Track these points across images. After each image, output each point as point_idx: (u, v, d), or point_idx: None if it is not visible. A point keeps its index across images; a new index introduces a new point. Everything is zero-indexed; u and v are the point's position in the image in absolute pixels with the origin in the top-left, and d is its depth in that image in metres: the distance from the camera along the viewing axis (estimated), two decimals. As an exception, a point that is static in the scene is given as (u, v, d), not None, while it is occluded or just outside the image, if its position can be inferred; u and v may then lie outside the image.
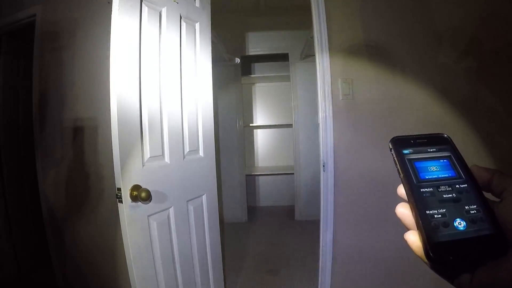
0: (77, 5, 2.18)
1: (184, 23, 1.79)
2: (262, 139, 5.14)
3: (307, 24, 3.00)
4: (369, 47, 2.10)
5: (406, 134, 0.43)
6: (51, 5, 2.25)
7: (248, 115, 4.95)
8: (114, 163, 1.39)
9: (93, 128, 2.10)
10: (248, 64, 4.86)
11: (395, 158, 0.42)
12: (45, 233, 2.32)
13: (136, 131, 1.46)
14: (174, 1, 1.70)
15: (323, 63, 2.10)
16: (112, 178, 1.40)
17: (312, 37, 2.36)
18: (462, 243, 0.33)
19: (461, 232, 0.34)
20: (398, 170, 0.41)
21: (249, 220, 4.47)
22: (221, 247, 2.15)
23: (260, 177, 5.02)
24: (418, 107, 2.06)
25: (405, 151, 0.42)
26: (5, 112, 2.83)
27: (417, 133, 0.43)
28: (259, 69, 5.07)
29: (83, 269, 2.26)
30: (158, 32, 1.61)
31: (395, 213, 0.39)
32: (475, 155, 1.99)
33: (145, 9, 1.51)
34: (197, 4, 1.92)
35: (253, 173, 4.76)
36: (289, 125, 4.63)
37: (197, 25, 1.90)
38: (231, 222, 4.35)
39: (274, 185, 5.08)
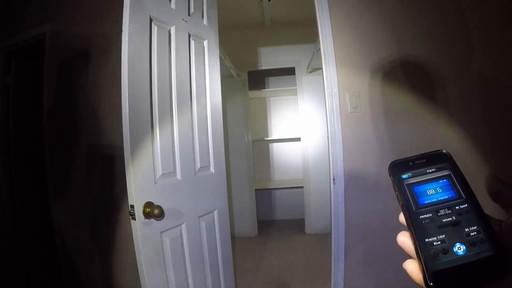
0: (87, 24, 2.22)
1: (193, 41, 1.82)
2: (274, 153, 5.16)
3: (313, 37, 3.04)
4: (376, 60, 2.11)
5: (405, 157, 0.43)
6: (61, 23, 2.30)
7: (256, 129, 4.97)
8: (127, 180, 1.40)
9: (110, 156, 2.12)
10: (259, 78, 4.89)
11: (394, 185, 0.41)
12: (55, 248, 2.34)
13: (148, 148, 1.48)
14: (182, 20, 1.73)
15: (330, 76, 2.11)
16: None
17: (319, 51, 2.38)
18: (462, 269, 0.33)
19: (461, 257, 0.33)
20: (397, 197, 0.40)
21: (259, 234, 4.46)
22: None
23: (268, 191, 5.02)
24: (425, 117, 2.07)
25: (404, 176, 0.41)
26: (16, 132, 2.88)
27: (415, 154, 0.43)
28: (270, 83, 5.11)
29: (93, 282, 2.26)
30: (168, 50, 1.64)
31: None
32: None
33: (154, 28, 1.55)
34: (205, 22, 1.96)
35: (263, 187, 4.76)
36: (297, 138, 4.64)
37: (206, 43, 1.93)
38: (242, 237, 4.34)
39: (284, 198, 5.07)
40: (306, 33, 4.14)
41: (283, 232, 4.55)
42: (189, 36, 1.79)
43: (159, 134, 1.55)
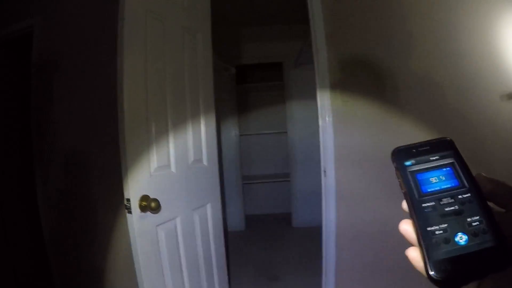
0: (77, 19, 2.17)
1: (187, 34, 1.81)
2: (258, 147, 5.16)
3: (300, 33, 3.06)
4: (366, 55, 2.14)
5: (408, 144, 0.43)
6: (50, 17, 2.24)
7: (244, 123, 4.97)
8: (122, 174, 1.40)
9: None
10: (244, 73, 4.88)
11: (397, 172, 0.41)
12: (46, 253, 2.30)
13: (144, 141, 1.47)
14: (176, 12, 1.72)
15: (322, 69, 2.13)
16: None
17: (309, 45, 2.39)
18: (463, 258, 0.33)
19: (463, 247, 0.33)
20: (400, 184, 0.40)
21: (248, 228, 4.47)
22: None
23: (256, 185, 5.02)
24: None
25: (407, 163, 0.41)
26: (3, 124, 2.80)
27: (419, 141, 0.43)
28: (255, 78, 5.10)
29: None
30: (163, 43, 1.62)
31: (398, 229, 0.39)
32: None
33: (149, 20, 1.53)
34: (199, 14, 1.94)
35: (249, 181, 4.77)
36: (283, 132, 4.66)
37: (199, 36, 1.92)
38: (230, 231, 4.35)
39: (270, 192, 5.08)
40: (293, 28, 4.14)
41: (271, 226, 4.58)
42: (183, 29, 1.78)
43: (154, 127, 1.54)
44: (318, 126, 2.17)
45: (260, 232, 4.33)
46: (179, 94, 1.73)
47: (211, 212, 1.97)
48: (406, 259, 0.37)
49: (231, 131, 4.45)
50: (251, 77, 5.03)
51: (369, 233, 2.13)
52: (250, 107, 5.12)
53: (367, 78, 2.13)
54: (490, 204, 0.37)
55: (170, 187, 1.63)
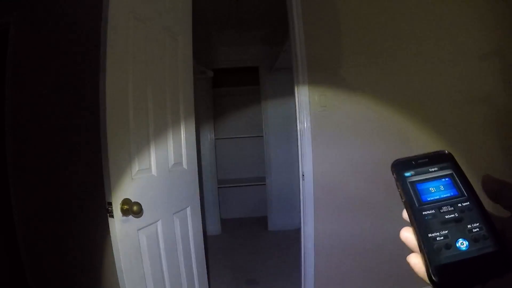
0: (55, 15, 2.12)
1: (168, 37, 1.81)
2: (234, 151, 5.17)
3: (278, 38, 3.09)
4: (344, 61, 2.19)
5: (408, 156, 0.43)
6: (27, 13, 2.18)
7: (220, 127, 4.97)
8: (104, 177, 1.37)
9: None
10: (219, 77, 4.89)
11: (397, 183, 0.42)
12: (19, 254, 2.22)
13: (125, 143, 1.46)
14: (158, 14, 1.72)
15: (301, 75, 2.16)
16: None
17: (285, 51, 2.43)
18: (465, 263, 0.33)
19: (464, 252, 0.34)
20: (400, 194, 0.41)
21: (224, 232, 4.46)
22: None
23: (230, 189, 5.01)
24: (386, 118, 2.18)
25: (407, 174, 0.42)
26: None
27: (417, 154, 0.43)
28: (230, 82, 5.10)
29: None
30: (144, 45, 1.61)
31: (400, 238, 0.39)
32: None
33: (132, 22, 1.52)
34: (180, 16, 1.94)
35: (224, 185, 4.77)
36: (259, 136, 4.69)
37: (180, 38, 1.92)
38: (206, 235, 4.32)
39: (246, 196, 5.09)
40: (271, 34, 4.18)
41: (247, 229, 4.60)
42: (165, 30, 1.78)
43: (135, 130, 1.53)
44: (294, 130, 2.20)
45: (236, 236, 4.34)
46: (160, 97, 1.72)
47: (191, 215, 1.96)
48: (403, 265, 0.38)
49: (207, 134, 4.43)
50: (228, 81, 5.03)
51: (348, 237, 2.17)
52: (226, 111, 5.12)
53: (347, 82, 2.19)
54: (496, 206, 0.38)
55: (151, 191, 1.62)
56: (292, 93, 2.26)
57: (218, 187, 4.56)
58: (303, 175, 2.18)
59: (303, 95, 2.16)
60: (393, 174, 0.43)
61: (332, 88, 2.19)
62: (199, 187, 4.12)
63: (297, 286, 2.29)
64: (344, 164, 2.17)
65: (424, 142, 2.15)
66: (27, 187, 2.18)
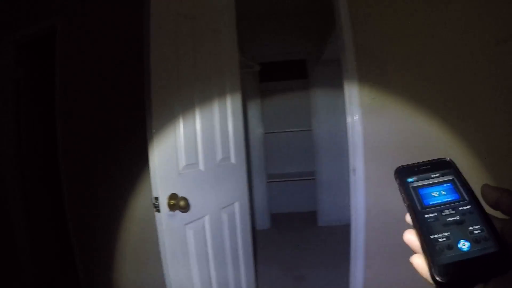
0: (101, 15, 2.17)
1: (213, 32, 1.79)
2: (283, 145, 5.11)
3: (324, 30, 3.01)
4: (398, 46, 2.06)
5: (410, 163, 0.45)
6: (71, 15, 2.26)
7: (268, 121, 4.93)
8: (151, 172, 1.39)
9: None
10: (267, 71, 4.85)
11: (400, 188, 0.44)
12: (69, 236, 2.33)
13: (171, 138, 1.46)
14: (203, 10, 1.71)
15: (349, 64, 2.07)
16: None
17: (332, 42, 2.35)
18: (466, 263, 0.34)
19: (465, 252, 0.35)
20: (403, 198, 0.43)
21: (273, 227, 4.44)
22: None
23: (280, 183, 4.97)
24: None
25: (409, 180, 0.44)
26: (27, 127, 2.85)
27: (420, 161, 0.45)
28: (278, 75, 5.04)
29: (109, 276, 2.24)
30: (192, 41, 1.61)
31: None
32: None
33: (178, 19, 1.52)
34: (223, 12, 1.92)
35: (274, 180, 4.73)
36: (308, 130, 4.61)
37: (224, 32, 1.90)
38: (255, 229, 4.33)
39: (295, 191, 5.03)
40: (317, 25, 4.08)
41: (296, 224, 4.53)
42: (209, 26, 1.76)
43: (183, 125, 1.53)
44: (344, 123, 2.12)
45: (285, 231, 4.29)
46: (206, 91, 1.72)
47: (239, 210, 1.95)
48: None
49: (256, 129, 4.42)
50: (275, 75, 4.98)
51: (400, 234, 2.06)
52: (274, 105, 5.06)
53: (398, 71, 2.06)
54: (497, 212, 0.38)
55: (199, 185, 1.62)
56: (341, 85, 2.16)
57: (268, 182, 4.54)
58: (354, 170, 2.10)
59: (352, 86, 2.06)
60: (396, 180, 0.45)
61: (383, 78, 2.07)
62: (248, 182, 4.17)
63: (345, 284, 2.21)
64: (398, 157, 2.05)
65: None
66: (78, 186, 2.27)
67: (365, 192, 2.06)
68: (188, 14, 1.59)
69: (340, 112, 2.08)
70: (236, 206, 1.93)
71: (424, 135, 2.03)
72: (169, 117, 1.45)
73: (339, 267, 2.83)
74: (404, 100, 2.05)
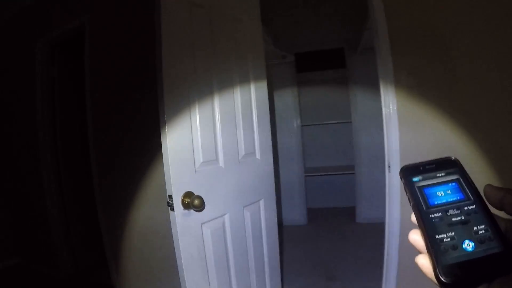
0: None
1: (233, 21, 1.70)
2: (321, 138, 4.94)
3: (362, 14, 2.83)
4: (434, 35, 1.87)
5: (416, 162, 0.44)
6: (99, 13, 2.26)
7: (305, 113, 4.77)
8: (164, 169, 1.33)
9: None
10: (303, 61, 4.70)
11: (405, 187, 0.43)
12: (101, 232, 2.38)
13: (187, 135, 1.39)
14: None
15: (383, 51, 1.91)
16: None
17: (369, 29, 2.18)
18: (471, 263, 0.34)
19: (470, 253, 0.34)
20: (408, 198, 0.42)
21: (309, 222, 4.32)
22: (279, 252, 2.04)
23: (319, 177, 4.82)
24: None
25: (415, 179, 0.43)
26: (62, 124, 2.94)
27: (426, 160, 0.44)
28: (315, 66, 4.87)
29: (139, 271, 2.24)
30: (209, 31, 1.53)
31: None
32: None
33: (194, 9, 1.45)
34: (244, 1, 1.82)
35: (312, 174, 4.60)
36: (348, 122, 4.42)
37: (245, 20, 1.80)
38: (290, 225, 4.23)
39: (333, 185, 4.86)
40: (353, 11, 3.86)
41: (333, 220, 4.38)
42: (229, 16, 1.68)
43: (199, 120, 1.46)
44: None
45: (322, 227, 4.16)
46: (227, 82, 1.63)
47: (264, 208, 1.86)
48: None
49: (293, 121, 4.29)
50: (312, 65, 4.80)
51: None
52: (312, 96, 4.89)
53: (436, 60, 1.87)
54: (501, 212, 0.38)
55: (218, 183, 1.55)
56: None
57: (305, 176, 4.41)
58: (389, 167, 1.95)
59: (387, 75, 1.90)
60: (401, 179, 0.44)
61: (420, 66, 1.89)
62: (283, 177, 4.07)
63: (379, 287, 2.08)
64: (435, 154, 1.87)
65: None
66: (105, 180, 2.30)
67: (400, 190, 1.91)
68: (203, 3, 1.51)
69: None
70: (261, 203, 1.84)
71: (466, 130, 1.83)
72: (184, 112, 1.39)
73: (374, 267, 2.67)
74: (444, 91, 1.87)
